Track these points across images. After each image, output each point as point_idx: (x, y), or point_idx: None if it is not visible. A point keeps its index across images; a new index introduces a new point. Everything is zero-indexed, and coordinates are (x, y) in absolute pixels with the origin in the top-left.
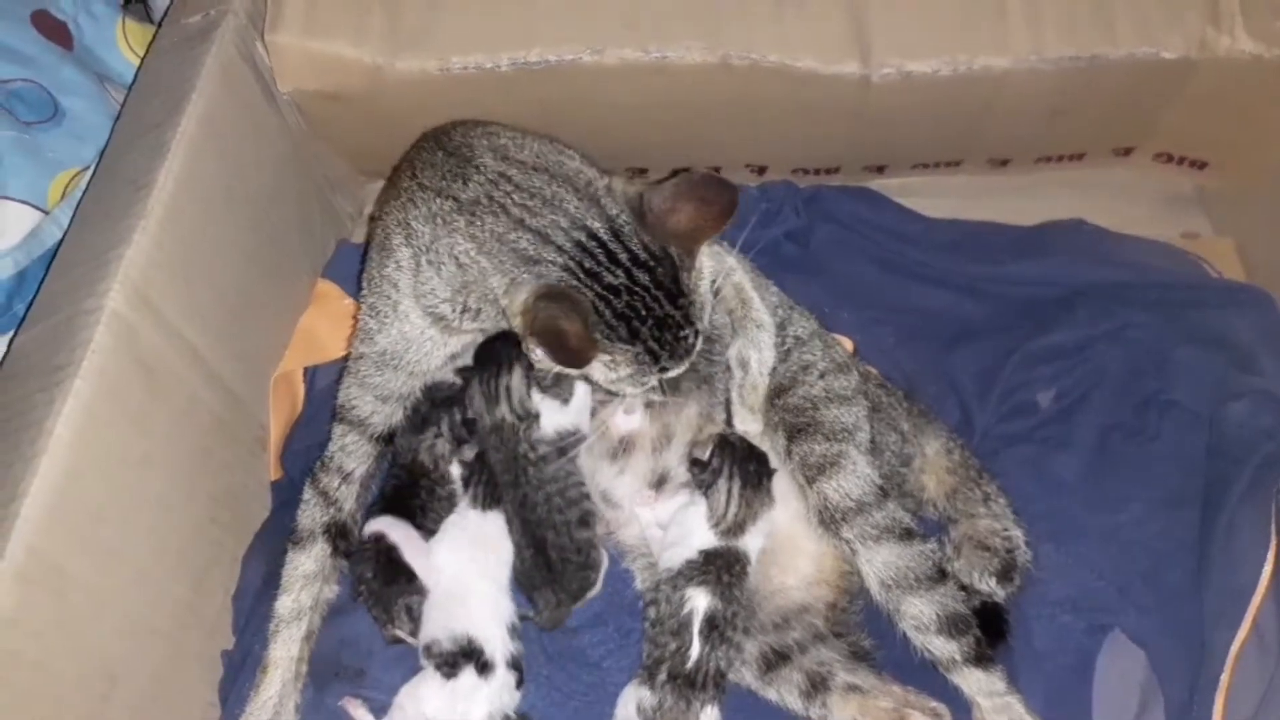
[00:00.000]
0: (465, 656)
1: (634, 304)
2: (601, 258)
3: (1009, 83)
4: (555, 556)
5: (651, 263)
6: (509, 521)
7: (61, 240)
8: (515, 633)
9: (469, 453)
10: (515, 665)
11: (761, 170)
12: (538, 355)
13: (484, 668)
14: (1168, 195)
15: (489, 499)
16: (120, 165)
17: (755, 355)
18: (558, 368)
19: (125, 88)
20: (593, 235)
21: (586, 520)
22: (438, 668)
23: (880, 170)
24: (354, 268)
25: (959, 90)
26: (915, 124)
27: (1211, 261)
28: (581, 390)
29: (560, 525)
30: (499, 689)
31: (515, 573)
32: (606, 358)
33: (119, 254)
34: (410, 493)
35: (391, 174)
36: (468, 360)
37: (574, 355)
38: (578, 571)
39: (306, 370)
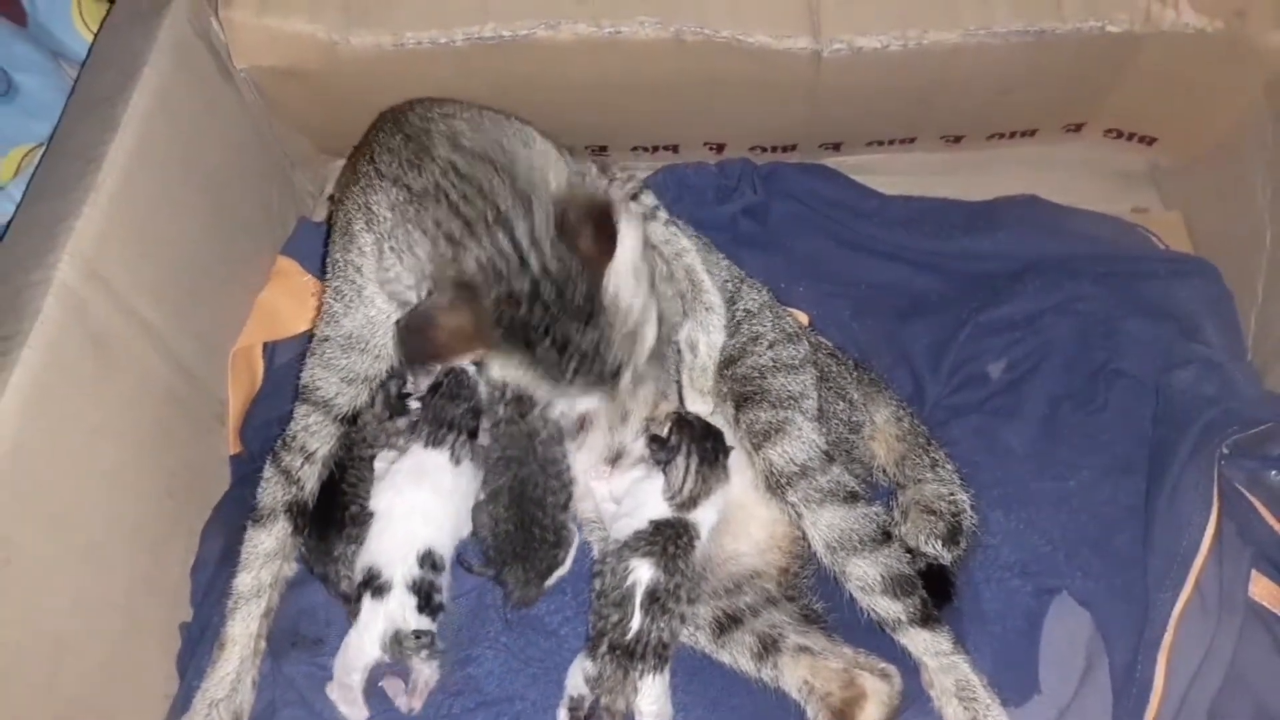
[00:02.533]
0: (364, 586)
1: (531, 317)
2: (513, 261)
3: (959, 57)
4: (537, 534)
5: (562, 278)
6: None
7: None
8: (430, 562)
9: (423, 386)
10: (420, 590)
11: (720, 148)
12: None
13: (378, 591)
14: (1119, 170)
15: (432, 438)
16: (71, 140)
17: (704, 339)
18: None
19: (80, 64)
20: (510, 235)
21: (567, 504)
22: (350, 613)
23: (836, 148)
24: (314, 245)
25: (910, 65)
26: (869, 100)
27: (1160, 234)
28: None
29: (550, 506)
30: (396, 607)
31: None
32: (501, 358)
33: (68, 226)
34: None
35: (352, 154)
36: None
37: (437, 350)
38: (549, 550)
39: (266, 345)
